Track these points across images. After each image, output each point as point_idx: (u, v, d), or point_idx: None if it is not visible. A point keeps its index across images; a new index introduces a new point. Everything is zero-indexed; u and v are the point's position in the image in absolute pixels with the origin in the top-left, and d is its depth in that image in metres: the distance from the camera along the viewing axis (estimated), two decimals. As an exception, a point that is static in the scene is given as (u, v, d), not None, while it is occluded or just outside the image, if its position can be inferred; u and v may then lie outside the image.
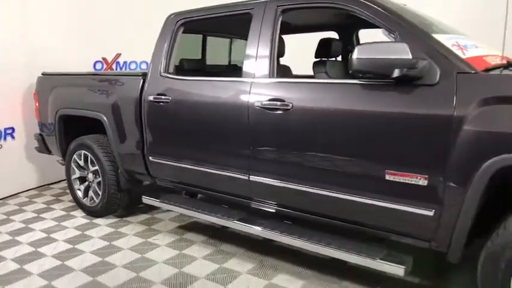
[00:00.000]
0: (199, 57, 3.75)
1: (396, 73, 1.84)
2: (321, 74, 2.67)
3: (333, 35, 3.44)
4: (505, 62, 2.05)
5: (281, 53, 2.74)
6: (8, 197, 4.31)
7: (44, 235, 3.31)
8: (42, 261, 2.83)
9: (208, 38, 3.82)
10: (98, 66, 5.35)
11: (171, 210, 3.33)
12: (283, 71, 3.08)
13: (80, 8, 4.85)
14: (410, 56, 1.82)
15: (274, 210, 2.56)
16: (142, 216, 3.68)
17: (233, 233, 3.16)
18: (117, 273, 2.65)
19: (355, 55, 1.91)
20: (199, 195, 3.42)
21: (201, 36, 3.65)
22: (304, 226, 2.49)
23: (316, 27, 3.49)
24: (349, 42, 3.44)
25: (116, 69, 5.46)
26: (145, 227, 3.44)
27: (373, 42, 1.93)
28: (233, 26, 2.61)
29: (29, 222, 3.59)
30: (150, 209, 3.75)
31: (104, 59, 5.39)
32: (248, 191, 2.58)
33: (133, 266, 2.74)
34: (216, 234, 3.20)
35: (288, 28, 3.49)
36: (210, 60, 3.87)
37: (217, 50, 4.08)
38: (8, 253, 2.95)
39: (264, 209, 2.61)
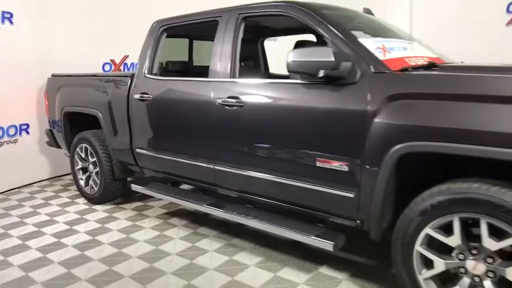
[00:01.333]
0: (187, 59, 4.11)
1: (321, 73, 2.14)
2: (293, 74, 2.94)
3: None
4: (425, 62, 2.28)
5: (244, 55, 3.02)
6: (22, 186, 4.82)
7: (48, 218, 3.76)
8: (41, 238, 3.27)
9: (200, 42, 4.19)
10: (107, 67, 5.80)
11: (162, 199, 3.70)
12: (249, 72, 3.36)
13: (90, 12, 5.24)
14: (333, 59, 2.11)
15: (236, 195, 2.89)
16: (136, 204, 4.08)
17: (213, 218, 3.49)
18: (103, 249, 3.04)
19: (290, 58, 2.22)
20: (183, 185, 3.78)
21: (187, 40, 4.02)
22: (262, 209, 2.80)
23: (294, 30, 3.76)
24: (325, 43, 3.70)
25: (124, 70, 5.90)
26: (137, 212, 3.84)
27: (304, 47, 2.23)
28: (209, 31, 2.93)
29: (36, 207, 4.06)
30: (145, 197, 4.14)
31: (112, 60, 5.82)
32: (214, 178, 2.92)
33: (118, 244, 3.13)
34: (197, 220, 3.55)
35: (270, 32, 3.81)
36: (198, 62, 4.22)
37: (207, 52, 4.42)
38: (14, 232, 3.41)
39: (228, 194, 2.94)
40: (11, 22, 4.66)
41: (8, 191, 4.64)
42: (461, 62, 2.79)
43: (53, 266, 2.79)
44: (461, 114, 1.80)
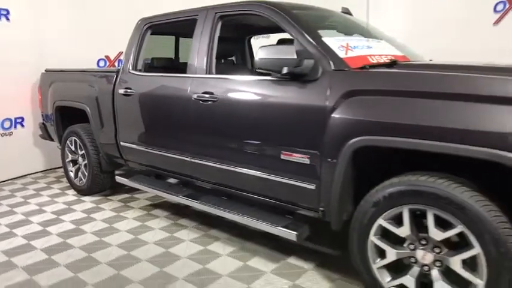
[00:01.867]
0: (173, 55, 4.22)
1: (285, 70, 2.23)
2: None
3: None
4: (388, 60, 2.36)
5: (227, 53, 3.11)
6: (17, 177, 4.97)
7: (37, 208, 3.89)
8: (28, 227, 3.40)
9: (187, 39, 4.29)
10: (102, 63, 5.92)
11: (148, 192, 3.80)
12: (233, 68, 3.47)
13: (86, 9, 5.35)
14: (295, 57, 2.20)
15: (211, 187, 2.99)
16: (123, 196, 4.20)
17: (194, 210, 3.58)
18: (85, 237, 3.17)
19: (257, 56, 2.32)
20: (170, 179, 3.88)
21: (174, 37, 4.13)
22: (236, 201, 2.90)
23: (276, 28, 3.84)
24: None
25: (118, 66, 6.01)
26: (122, 204, 3.96)
27: (270, 45, 2.32)
28: (190, 28, 3.03)
29: (27, 198, 4.20)
30: (133, 190, 4.26)
31: (107, 56, 5.94)
32: (191, 171, 3.02)
33: (100, 233, 3.25)
34: (179, 212, 3.66)
35: (255, 30, 3.90)
36: (184, 59, 4.31)
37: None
38: (2, 220, 3.54)
39: (205, 186, 3.05)
40: (7, 19, 4.80)
41: (2, 182, 4.79)
42: (430, 60, 2.87)
43: (35, 252, 2.92)
44: (410, 110, 1.89)
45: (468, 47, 5.20)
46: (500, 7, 5.12)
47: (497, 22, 5.15)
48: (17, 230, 3.33)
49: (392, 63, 2.33)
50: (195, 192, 3.18)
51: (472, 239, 1.74)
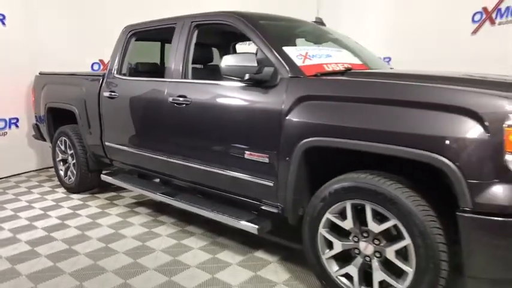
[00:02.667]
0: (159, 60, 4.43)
1: (246, 77, 2.43)
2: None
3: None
4: (343, 68, 2.56)
5: (197, 59, 3.29)
6: (11, 176, 5.18)
7: (26, 204, 4.10)
8: (16, 221, 3.60)
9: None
10: (95, 67, 6.14)
11: (133, 190, 3.99)
12: (216, 74, 3.62)
13: (81, 14, 5.56)
14: (255, 64, 2.40)
15: (186, 186, 3.19)
16: (110, 194, 4.40)
17: (175, 208, 3.76)
18: (68, 231, 3.36)
19: (222, 63, 2.52)
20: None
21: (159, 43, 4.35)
22: (210, 199, 3.08)
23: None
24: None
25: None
26: (108, 201, 4.16)
27: (234, 53, 2.52)
28: (170, 35, 3.23)
29: (18, 195, 4.41)
30: (120, 188, 4.45)
31: (101, 60, 6.16)
32: (168, 170, 3.22)
33: (83, 227, 3.45)
34: (161, 209, 3.85)
35: (239, 37, 4.10)
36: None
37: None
38: (-7, 215, 3.76)
39: (181, 185, 3.25)
40: (3, 23, 5.04)
41: (-4, 180, 5.01)
42: (391, 69, 3.06)
43: (19, 244, 3.12)
44: (352, 114, 2.08)
45: (448, 55, 5.40)
46: (477, 17, 5.32)
47: (475, 32, 5.35)
48: (5, 225, 3.53)
49: (345, 71, 2.53)
50: (172, 190, 3.37)
51: (404, 231, 1.92)
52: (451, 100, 1.81)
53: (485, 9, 5.22)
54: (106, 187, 4.49)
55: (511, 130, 1.68)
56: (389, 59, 6.43)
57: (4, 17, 5.03)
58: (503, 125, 1.69)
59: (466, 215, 1.75)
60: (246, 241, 3.07)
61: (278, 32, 2.81)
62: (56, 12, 5.46)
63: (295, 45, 2.89)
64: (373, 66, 2.92)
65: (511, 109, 1.70)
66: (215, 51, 4.35)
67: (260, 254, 2.88)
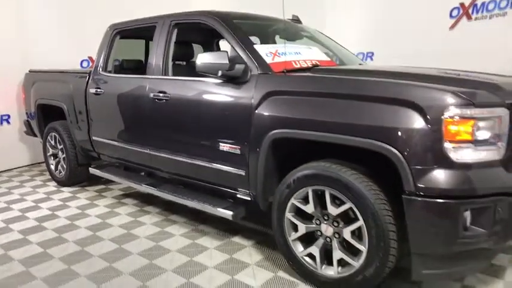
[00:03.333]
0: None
1: (219, 73, 2.61)
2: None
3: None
4: (310, 65, 2.74)
5: (177, 57, 3.45)
6: (3, 171, 5.35)
7: (19, 197, 4.28)
8: (9, 213, 3.79)
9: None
10: (85, 64, 6.28)
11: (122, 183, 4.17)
12: (183, 70, 3.75)
13: (70, 12, 5.70)
14: (227, 62, 2.58)
15: (168, 177, 3.38)
16: (100, 186, 4.59)
17: (161, 199, 3.96)
18: (58, 221, 3.55)
19: (197, 60, 2.69)
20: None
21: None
22: (190, 189, 3.27)
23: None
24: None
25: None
26: (97, 193, 4.34)
27: (208, 52, 2.70)
28: (152, 34, 3.39)
29: (12, 188, 4.59)
30: (109, 181, 4.63)
31: (90, 57, 6.29)
32: (150, 162, 3.41)
33: (72, 217, 3.63)
34: (147, 200, 4.03)
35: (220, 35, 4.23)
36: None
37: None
38: (-14, 207, 3.94)
39: (164, 176, 3.44)
40: (-7, 22, 5.17)
41: (-11, 175, 5.18)
42: (360, 64, 3.25)
43: (12, 233, 3.30)
44: (312, 108, 2.27)
45: (428, 50, 5.60)
46: (455, 12, 5.50)
47: (452, 27, 5.54)
48: (-1, 216, 3.72)
49: (311, 68, 2.71)
50: (156, 181, 3.56)
51: (357, 213, 2.12)
52: (396, 94, 2.00)
53: (462, 4, 5.42)
54: (95, 180, 4.66)
55: (450, 121, 1.88)
56: (373, 53, 6.64)
57: (-6, 16, 5.16)
58: (442, 116, 1.88)
59: (409, 197, 1.95)
60: (226, 228, 3.27)
61: (252, 31, 2.98)
62: (46, 11, 5.58)
63: (269, 43, 3.08)
64: (346, 62, 3.11)
65: (449, 101, 1.89)
66: (200, 48, 4.52)
67: (237, 239, 3.08)
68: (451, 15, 5.55)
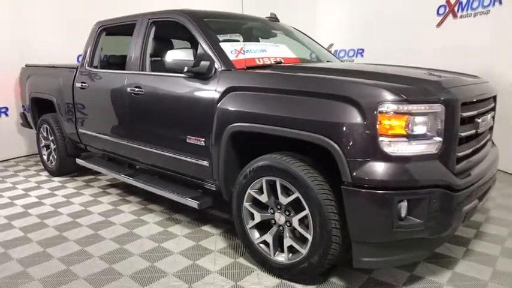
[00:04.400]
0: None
1: (185, 69, 2.76)
2: None
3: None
4: (273, 62, 2.87)
5: (154, 53, 3.59)
6: (1, 161, 5.58)
7: (11, 185, 4.49)
8: (-1, 200, 4.01)
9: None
10: (80, 58, 6.46)
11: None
12: (161, 66, 3.89)
13: (67, 7, 5.87)
14: (192, 58, 2.72)
15: (145, 167, 3.54)
16: (88, 177, 4.78)
17: (142, 189, 4.10)
18: (43, 208, 3.74)
19: (166, 57, 2.83)
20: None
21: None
22: (166, 180, 3.43)
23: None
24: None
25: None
26: (85, 183, 4.54)
27: (176, 49, 2.84)
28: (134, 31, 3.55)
29: (6, 177, 4.81)
30: (98, 172, 4.81)
31: (87, 53, 6.48)
32: (128, 153, 3.57)
33: (57, 205, 3.82)
34: (131, 190, 4.20)
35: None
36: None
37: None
38: (-21, 194, 4.16)
39: (142, 167, 3.61)
40: (-8, 18, 5.38)
41: (-13, 164, 5.42)
42: (327, 61, 3.37)
43: (-2, 219, 3.51)
44: (265, 103, 2.40)
45: (416, 47, 5.67)
46: (442, 10, 5.56)
47: (439, 24, 5.59)
48: (-11, 202, 3.93)
49: (272, 65, 2.83)
50: (135, 172, 3.73)
51: (304, 203, 2.25)
52: (335, 90, 2.12)
53: (448, 2, 5.46)
54: (86, 171, 4.84)
55: (384, 116, 1.99)
56: (363, 50, 6.72)
57: (-7, 13, 5.37)
58: (377, 111, 1.99)
59: (347, 188, 2.07)
60: (198, 218, 3.43)
61: (222, 29, 3.11)
62: (44, 8, 5.77)
63: (239, 41, 3.21)
64: (321, 59, 3.24)
65: (383, 97, 2.00)
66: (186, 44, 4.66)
67: (206, 228, 3.23)
68: (438, 13, 5.60)
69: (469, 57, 5.02)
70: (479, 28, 5.01)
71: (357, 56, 6.82)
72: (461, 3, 5.32)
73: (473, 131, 2.32)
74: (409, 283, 2.43)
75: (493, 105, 2.72)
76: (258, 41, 3.62)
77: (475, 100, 2.31)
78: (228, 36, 3.21)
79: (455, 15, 5.40)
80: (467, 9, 5.23)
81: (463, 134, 2.20)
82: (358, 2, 6.52)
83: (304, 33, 4.09)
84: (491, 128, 2.89)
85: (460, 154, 2.21)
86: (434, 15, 5.62)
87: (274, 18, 3.95)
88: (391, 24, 6.03)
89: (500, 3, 4.77)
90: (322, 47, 4.02)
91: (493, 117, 2.88)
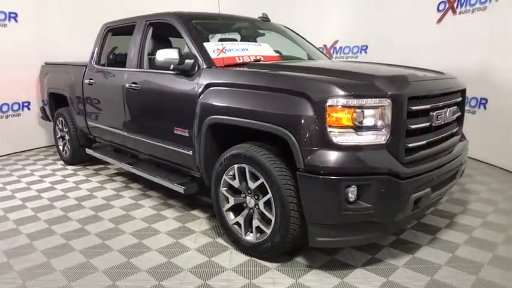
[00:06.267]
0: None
1: (171, 67, 3.05)
2: None
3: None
4: (252, 60, 3.12)
5: (151, 52, 3.90)
6: (24, 151, 6.09)
7: (29, 172, 4.95)
8: (17, 185, 4.43)
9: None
10: (98, 56, 6.89)
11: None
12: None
13: (85, 9, 6.27)
14: (177, 57, 3.01)
15: (143, 157, 3.88)
16: (99, 166, 5.18)
17: (144, 178, 4.46)
18: (54, 192, 4.15)
19: (156, 56, 3.14)
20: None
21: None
22: (162, 168, 3.75)
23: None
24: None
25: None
26: (94, 171, 4.94)
27: (164, 49, 3.13)
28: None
29: (25, 165, 5.28)
30: (108, 162, 5.22)
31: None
32: (128, 144, 3.92)
33: (66, 189, 4.22)
34: (135, 178, 4.56)
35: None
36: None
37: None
38: (2, 180, 4.61)
39: (139, 156, 3.95)
40: (16, 20, 5.86)
41: (11, 154, 5.92)
42: (309, 59, 3.58)
43: (14, 200, 3.93)
44: (235, 97, 2.67)
45: (417, 43, 5.78)
46: (442, 7, 5.63)
47: (439, 20, 5.67)
48: (8, 186, 4.37)
49: (250, 63, 3.09)
50: (135, 161, 4.08)
51: (268, 187, 2.50)
52: (292, 86, 2.37)
53: (448, -2, 5.52)
54: (97, 160, 5.24)
55: (332, 109, 2.22)
56: (367, 46, 6.84)
57: (16, 15, 5.84)
58: (325, 105, 2.22)
59: (301, 173, 2.31)
60: (190, 203, 3.74)
61: (210, 29, 3.38)
62: (62, 9, 6.22)
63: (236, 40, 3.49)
64: (312, 56, 3.50)
65: (331, 93, 2.23)
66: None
67: (195, 212, 3.54)
68: (438, 9, 5.68)
69: (468, 52, 5.10)
70: (477, 24, 5.06)
71: (360, 52, 6.95)
72: (460, -1, 5.38)
73: (426, 124, 2.50)
74: (368, 264, 2.64)
75: (457, 100, 2.87)
76: (248, 41, 3.86)
77: (426, 94, 2.48)
78: (220, 36, 3.47)
79: (454, 12, 5.46)
80: (466, 5, 5.29)
81: (412, 127, 2.39)
82: (362, 0, 6.64)
83: (295, 32, 4.31)
84: (459, 122, 3.05)
85: (410, 145, 2.40)
86: (434, 11, 5.70)
87: (265, 18, 4.19)
88: (394, 21, 6.13)
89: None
90: (312, 44, 4.23)
91: (462, 111, 3.03)
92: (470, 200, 3.79)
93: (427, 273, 2.50)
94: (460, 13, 5.38)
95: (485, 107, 5.05)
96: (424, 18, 5.83)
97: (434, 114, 2.53)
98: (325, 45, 7.15)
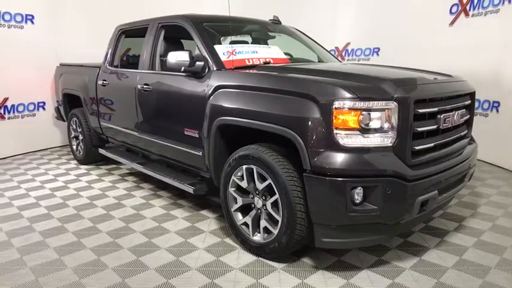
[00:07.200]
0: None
1: (182, 69, 3.11)
2: None
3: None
4: (261, 62, 3.15)
5: (163, 54, 3.97)
6: (39, 150, 6.23)
7: (43, 171, 5.06)
8: (32, 183, 4.54)
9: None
10: (112, 58, 7.01)
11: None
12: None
13: (99, 12, 6.44)
14: (187, 59, 3.06)
15: (154, 158, 3.94)
16: (112, 166, 5.27)
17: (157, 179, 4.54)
18: (67, 191, 4.24)
19: (168, 58, 3.20)
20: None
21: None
22: (173, 168, 3.81)
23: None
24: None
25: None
26: (107, 171, 5.03)
27: (176, 51, 3.19)
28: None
29: (40, 164, 5.40)
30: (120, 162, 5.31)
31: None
32: (141, 144, 3.99)
33: (79, 188, 4.31)
34: (145, 179, 4.64)
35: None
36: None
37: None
38: (16, 179, 4.73)
39: (151, 156, 4.02)
40: (32, 22, 6.00)
41: (26, 153, 6.06)
42: (319, 61, 3.61)
43: (28, 198, 4.03)
44: (243, 99, 2.71)
45: (430, 46, 5.75)
46: (454, 9, 5.59)
47: (452, 23, 5.63)
48: (23, 185, 4.48)
49: (260, 65, 3.12)
50: (146, 161, 4.15)
51: (275, 188, 2.54)
52: (299, 88, 2.39)
53: (460, 1, 5.50)
54: (110, 160, 5.33)
55: (338, 111, 2.24)
56: (379, 49, 6.83)
57: (33, 17, 5.98)
58: (332, 108, 2.25)
59: (307, 175, 2.34)
60: (199, 203, 3.79)
61: (220, 32, 3.44)
62: (78, 11, 6.36)
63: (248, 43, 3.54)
64: (322, 58, 3.55)
65: (337, 95, 2.25)
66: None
67: (204, 212, 3.59)
68: (451, 12, 5.65)
69: (480, 54, 5.07)
70: (490, 27, 5.02)
71: (372, 54, 6.94)
72: (472, 2, 5.34)
73: (433, 127, 2.50)
74: (374, 266, 2.65)
75: (466, 102, 2.87)
76: (259, 43, 3.90)
77: (433, 97, 2.49)
78: (231, 38, 3.53)
79: (467, 14, 5.42)
80: (478, 8, 5.25)
81: (419, 129, 2.40)
82: (375, 2, 6.63)
83: (306, 35, 4.34)
84: (468, 125, 3.04)
85: (417, 148, 2.40)
86: (447, 14, 5.66)
87: (276, 21, 4.22)
88: (406, 23, 6.11)
89: (510, 2, 4.78)
90: (322, 47, 4.25)
91: (471, 114, 3.02)
92: (480, 203, 3.77)
93: (433, 276, 2.50)
94: (472, 16, 5.34)
95: (497, 110, 5.00)
96: (436, 20, 5.80)
97: (441, 117, 2.54)
98: (337, 48, 7.17)
